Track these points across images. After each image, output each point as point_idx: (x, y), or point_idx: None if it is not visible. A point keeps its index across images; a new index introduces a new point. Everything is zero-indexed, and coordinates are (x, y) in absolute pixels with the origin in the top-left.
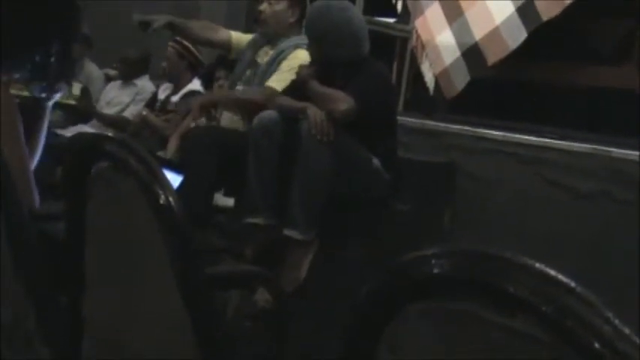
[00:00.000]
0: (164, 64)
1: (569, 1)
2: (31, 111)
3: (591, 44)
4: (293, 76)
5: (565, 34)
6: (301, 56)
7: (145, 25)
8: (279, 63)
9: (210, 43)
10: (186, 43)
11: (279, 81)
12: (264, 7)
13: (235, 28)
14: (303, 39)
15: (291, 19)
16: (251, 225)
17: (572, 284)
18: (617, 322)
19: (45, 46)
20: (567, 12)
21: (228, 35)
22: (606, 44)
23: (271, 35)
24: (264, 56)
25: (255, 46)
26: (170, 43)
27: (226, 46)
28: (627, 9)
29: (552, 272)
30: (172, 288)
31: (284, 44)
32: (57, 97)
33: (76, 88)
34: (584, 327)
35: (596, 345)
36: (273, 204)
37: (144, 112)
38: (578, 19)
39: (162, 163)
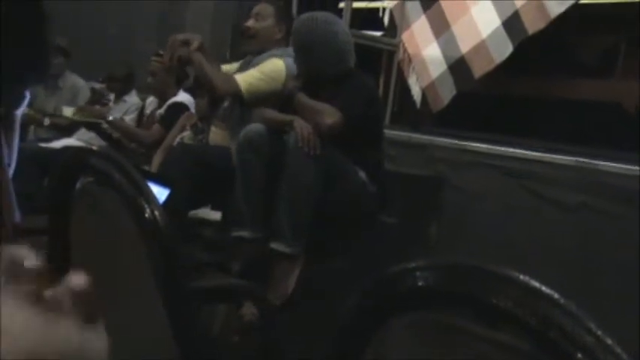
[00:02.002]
0: (150, 79)
1: (554, 16)
2: (2, 121)
3: (576, 58)
4: (261, 75)
5: (550, 48)
6: (274, 62)
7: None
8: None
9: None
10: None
11: (244, 75)
12: (251, 23)
13: (221, 41)
14: (280, 51)
15: (278, 36)
16: (238, 238)
17: (556, 296)
18: (599, 333)
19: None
20: (552, 26)
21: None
22: (591, 58)
23: (256, 51)
24: None
25: (243, 68)
26: (155, 58)
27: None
28: (611, 24)
29: (536, 284)
30: (157, 302)
31: (260, 58)
32: (24, 105)
33: (68, 111)
34: (567, 338)
35: (579, 356)
36: (259, 217)
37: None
38: (563, 34)
39: (149, 177)
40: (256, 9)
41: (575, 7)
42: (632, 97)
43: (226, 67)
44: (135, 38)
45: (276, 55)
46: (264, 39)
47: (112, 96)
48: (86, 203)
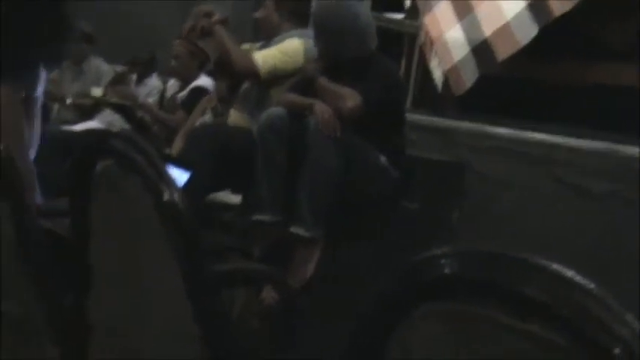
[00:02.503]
0: (173, 62)
1: None
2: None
3: (602, 41)
4: (279, 54)
5: (575, 31)
6: (292, 42)
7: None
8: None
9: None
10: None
11: (262, 53)
12: (258, 14)
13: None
14: (299, 31)
15: (276, 21)
16: (258, 222)
17: (591, 285)
18: (636, 325)
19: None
20: (578, 9)
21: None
22: (617, 41)
23: (266, 39)
24: None
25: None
26: (179, 41)
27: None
28: (637, 6)
29: (569, 273)
30: (179, 287)
31: (277, 39)
32: (41, 86)
33: (97, 91)
34: (605, 330)
35: (617, 350)
36: (280, 201)
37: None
38: (589, 17)
39: (170, 161)
40: None
41: None
42: None
43: (246, 46)
44: (158, 23)
45: (295, 35)
46: (265, 28)
47: (134, 77)
48: (107, 186)
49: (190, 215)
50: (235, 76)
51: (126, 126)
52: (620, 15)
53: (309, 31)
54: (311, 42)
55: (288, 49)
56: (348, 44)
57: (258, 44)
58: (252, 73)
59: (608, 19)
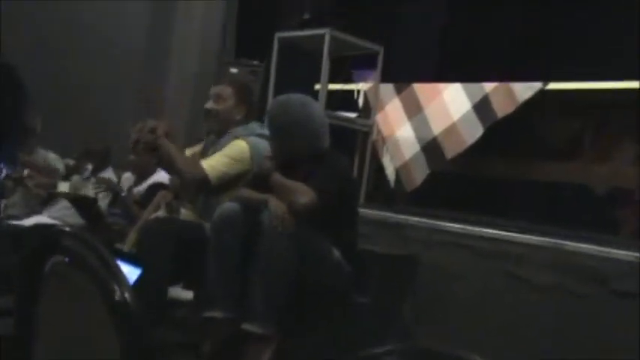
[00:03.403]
0: (131, 157)
1: (522, 100)
2: None
3: (544, 141)
4: (226, 159)
5: (519, 131)
6: (238, 144)
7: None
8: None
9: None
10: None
11: (209, 161)
12: (210, 104)
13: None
14: (243, 130)
15: (238, 117)
16: (210, 319)
17: None
18: None
19: None
20: (521, 110)
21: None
22: (558, 141)
23: (218, 132)
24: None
25: (206, 150)
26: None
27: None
28: (576, 109)
29: None
30: None
31: (224, 140)
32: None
33: (63, 186)
34: None
35: None
36: (232, 297)
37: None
38: (532, 117)
39: (122, 256)
40: (215, 90)
41: (542, 93)
42: (599, 179)
43: (189, 150)
44: (112, 117)
45: (239, 137)
46: (224, 120)
47: (89, 168)
48: (57, 283)
49: (141, 313)
50: (186, 186)
51: (78, 220)
52: (561, 117)
53: (254, 125)
54: (256, 139)
55: (234, 154)
56: (302, 143)
57: (199, 145)
58: (202, 182)
59: (551, 120)
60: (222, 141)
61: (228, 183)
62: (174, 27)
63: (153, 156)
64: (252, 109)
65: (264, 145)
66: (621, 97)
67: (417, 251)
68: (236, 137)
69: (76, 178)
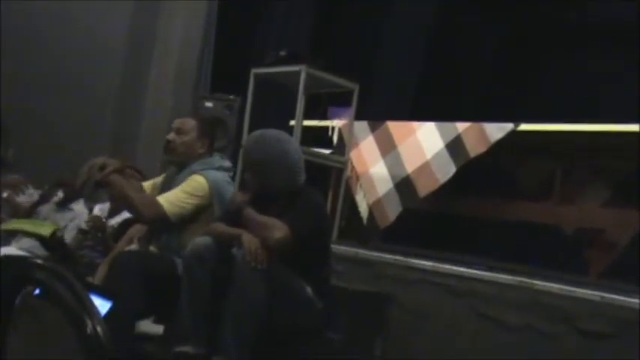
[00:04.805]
0: (107, 189)
1: (493, 141)
2: None
3: (515, 181)
4: (184, 195)
5: (491, 171)
6: (196, 179)
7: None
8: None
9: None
10: (136, 169)
11: (167, 196)
12: (171, 137)
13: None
14: (202, 165)
15: (200, 151)
16: (180, 354)
17: None
18: None
19: None
20: (493, 151)
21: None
22: (529, 182)
23: (178, 164)
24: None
25: (166, 183)
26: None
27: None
28: (547, 151)
29: None
30: None
31: (183, 174)
32: None
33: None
34: None
35: None
36: (203, 332)
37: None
38: (503, 158)
39: (93, 290)
40: (177, 123)
41: (514, 134)
42: (569, 220)
43: (148, 183)
44: (84, 150)
45: (197, 171)
46: (185, 153)
47: (60, 194)
48: (28, 315)
49: (112, 346)
50: (144, 223)
51: (45, 252)
52: (532, 158)
53: (215, 158)
54: (215, 173)
55: (192, 189)
56: (276, 179)
57: (159, 178)
58: (160, 218)
59: (522, 161)
60: (181, 176)
61: (186, 219)
62: (151, 61)
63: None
64: (225, 142)
65: (223, 177)
66: (591, 139)
67: (389, 288)
68: (194, 172)
69: (46, 206)
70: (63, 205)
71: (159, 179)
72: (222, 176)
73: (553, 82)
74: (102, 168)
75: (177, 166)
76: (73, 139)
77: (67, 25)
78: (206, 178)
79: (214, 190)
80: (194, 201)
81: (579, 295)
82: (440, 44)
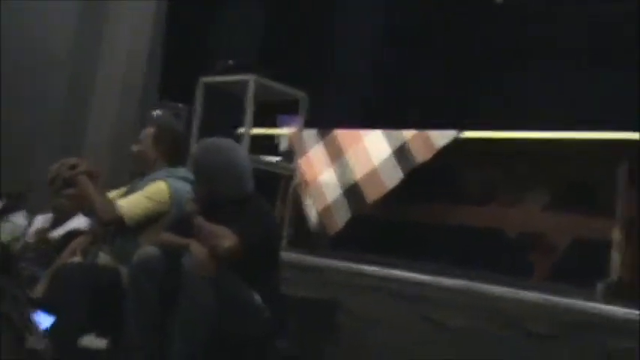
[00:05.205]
0: (54, 199)
1: (438, 148)
2: None
3: (460, 186)
4: (144, 199)
5: (437, 177)
6: (157, 184)
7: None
8: None
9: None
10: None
11: (126, 200)
12: (133, 147)
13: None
14: (164, 172)
15: (152, 157)
16: None
17: None
18: None
19: None
20: (439, 157)
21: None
22: (472, 186)
23: (140, 173)
24: None
25: (129, 192)
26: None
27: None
28: (488, 157)
29: None
30: None
31: (144, 181)
32: None
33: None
34: None
35: None
36: (151, 343)
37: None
38: (448, 164)
39: (36, 304)
40: (142, 133)
41: (457, 141)
42: (513, 224)
43: (114, 193)
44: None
45: (159, 178)
46: (141, 160)
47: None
48: None
49: None
50: (100, 225)
51: None
52: (477, 163)
53: (179, 170)
54: (176, 181)
55: (153, 193)
56: (225, 187)
57: (124, 188)
58: (116, 221)
59: (466, 167)
60: (142, 183)
61: (144, 223)
62: (97, 65)
63: (70, 195)
64: (176, 150)
65: (184, 187)
66: (532, 145)
67: (338, 295)
68: (157, 178)
69: None
70: (1, 216)
71: (122, 190)
72: (183, 186)
73: (495, 93)
74: (72, 167)
75: (140, 175)
76: (19, 148)
77: (11, 34)
78: (168, 184)
79: (174, 199)
80: (153, 206)
81: (524, 297)
82: (387, 53)
